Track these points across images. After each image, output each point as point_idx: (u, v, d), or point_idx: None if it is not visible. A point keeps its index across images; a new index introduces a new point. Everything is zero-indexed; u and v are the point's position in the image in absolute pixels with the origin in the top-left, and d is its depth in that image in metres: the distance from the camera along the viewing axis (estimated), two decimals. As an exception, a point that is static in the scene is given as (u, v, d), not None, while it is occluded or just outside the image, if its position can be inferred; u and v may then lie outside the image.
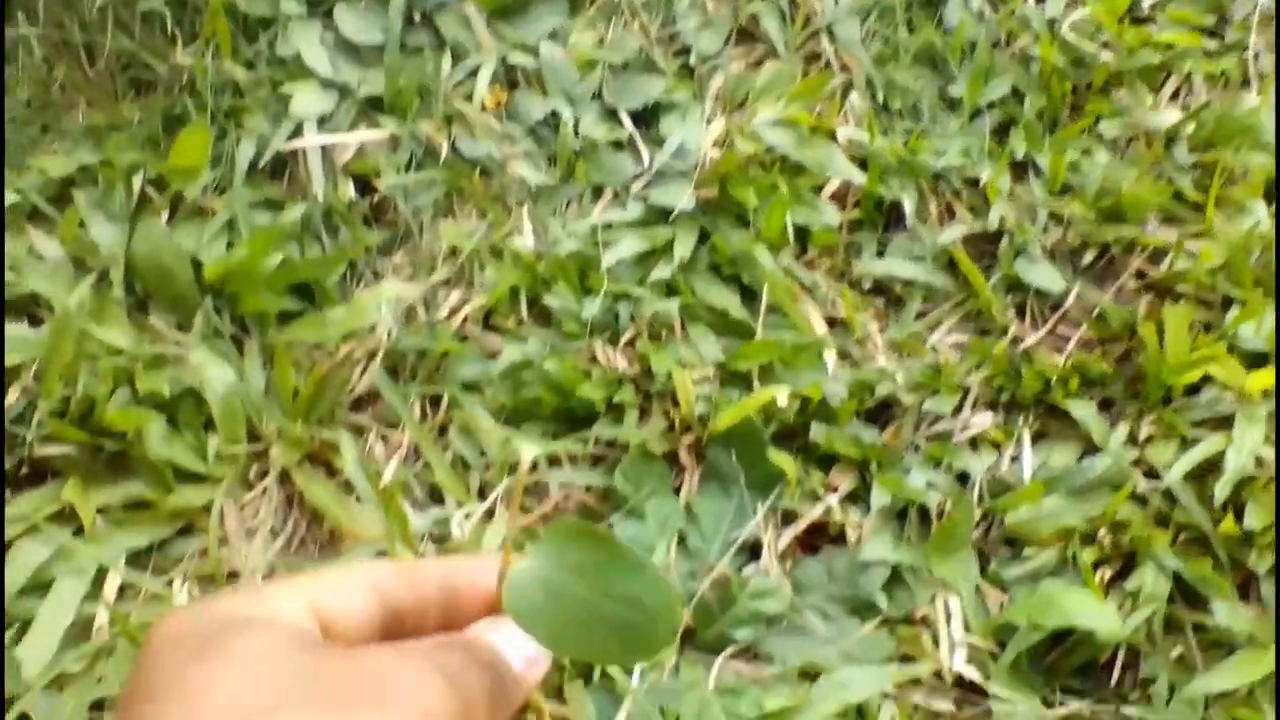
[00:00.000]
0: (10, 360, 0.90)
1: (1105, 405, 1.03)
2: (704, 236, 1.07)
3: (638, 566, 0.33)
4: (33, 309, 0.94)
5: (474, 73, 1.11)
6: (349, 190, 1.05)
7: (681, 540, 0.95)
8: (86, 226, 0.96)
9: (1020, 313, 1.07)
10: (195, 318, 0.95)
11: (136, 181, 0.98)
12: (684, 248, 1.05)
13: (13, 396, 0.89)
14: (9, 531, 0.86)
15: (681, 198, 1.07)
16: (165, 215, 0.99)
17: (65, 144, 1.00)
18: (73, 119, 1.02)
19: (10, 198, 0.97)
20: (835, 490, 0.96)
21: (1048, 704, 0.88)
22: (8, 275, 0.93)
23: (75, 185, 0.99)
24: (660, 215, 1.08)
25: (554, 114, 1.11)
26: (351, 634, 0.34)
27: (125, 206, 0.98)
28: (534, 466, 0.97)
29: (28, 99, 1.00)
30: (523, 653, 0.36)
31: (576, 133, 1.11)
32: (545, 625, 0.32)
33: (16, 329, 0.93)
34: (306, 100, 1.04)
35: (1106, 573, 0.93)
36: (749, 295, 1.05)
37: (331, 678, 0.30)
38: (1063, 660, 0.90)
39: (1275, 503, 0.95)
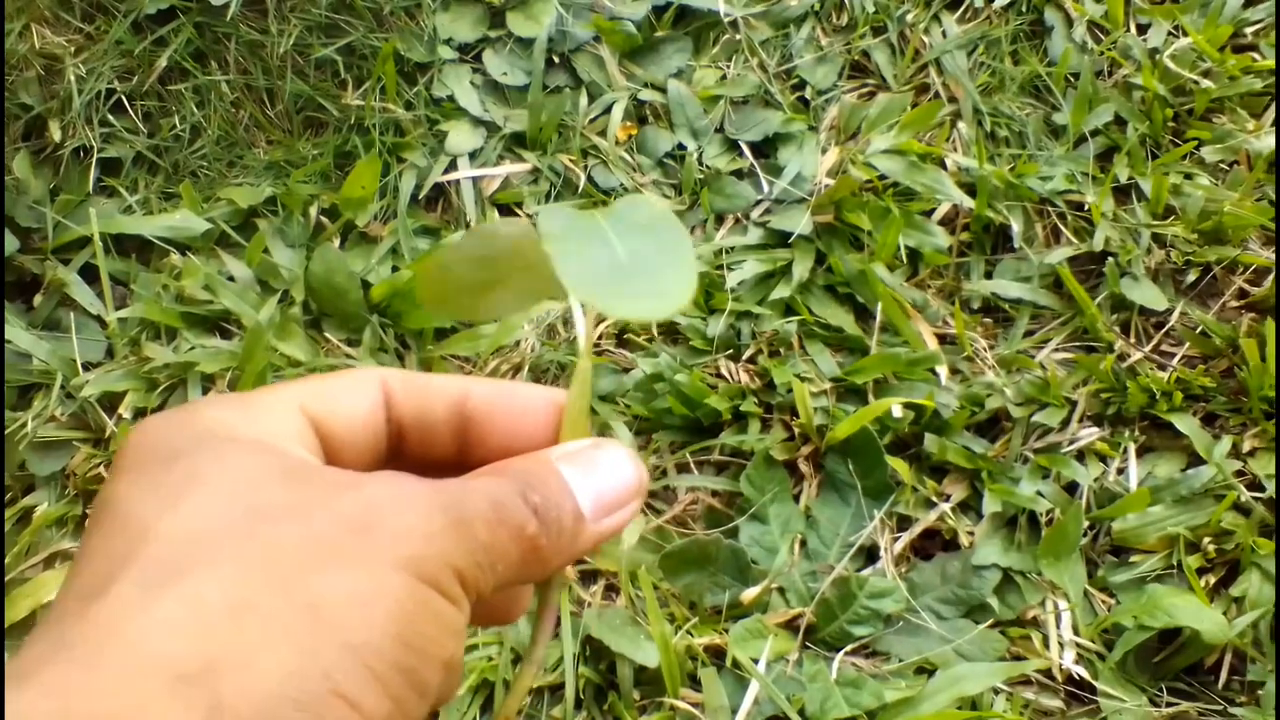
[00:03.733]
0: (206, 369, 0.98)
1: (1209, 419, 1.03)
2: (820, 259, 1.11)
3: None
4: (223, 324, 1.03)
5: (607, 109, 1.17)
6: (495, 218, 1.12)
7: (802, 543, 0.99)
8: (270, 251, 1.05)
9: (1125, 330, 1.08)
10: (364, 333, 1.03)
11: (313, 211, 1.06)
12: (802, 269, 1.09)
13: (210, 403, 0.97)
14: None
15: (799, 223, 1.11)
16: (338, 241, 1.07)
17: (250, 177, 1.09)
18: (256, 155, 1.10)
19: (203, 225, 1.06)
20: (948, 498, 0.99)
21: (1155, 704, 0.90)
22: (204, 294, 1.01)
23: (259, 214, 1.07)
24: (779, 239, 1.12)
25: (680, 146, 1.17)
26: (354, 444, 0.29)
27: (303, 233, 1.06)
28: (664, 472, 1.02)
29: (217, 137, 1.09)
30: (601, 495, 0.29)
31: (701, 163, 1.16)
32: None
33: (210, 341, 1.01)
34: (459, 137, 1.11)
35: (1211, 579, 0.94)
36: (863, 314, 1.09)
37: (308, 517, 0.25)
38: (1170, 662, 0.91)
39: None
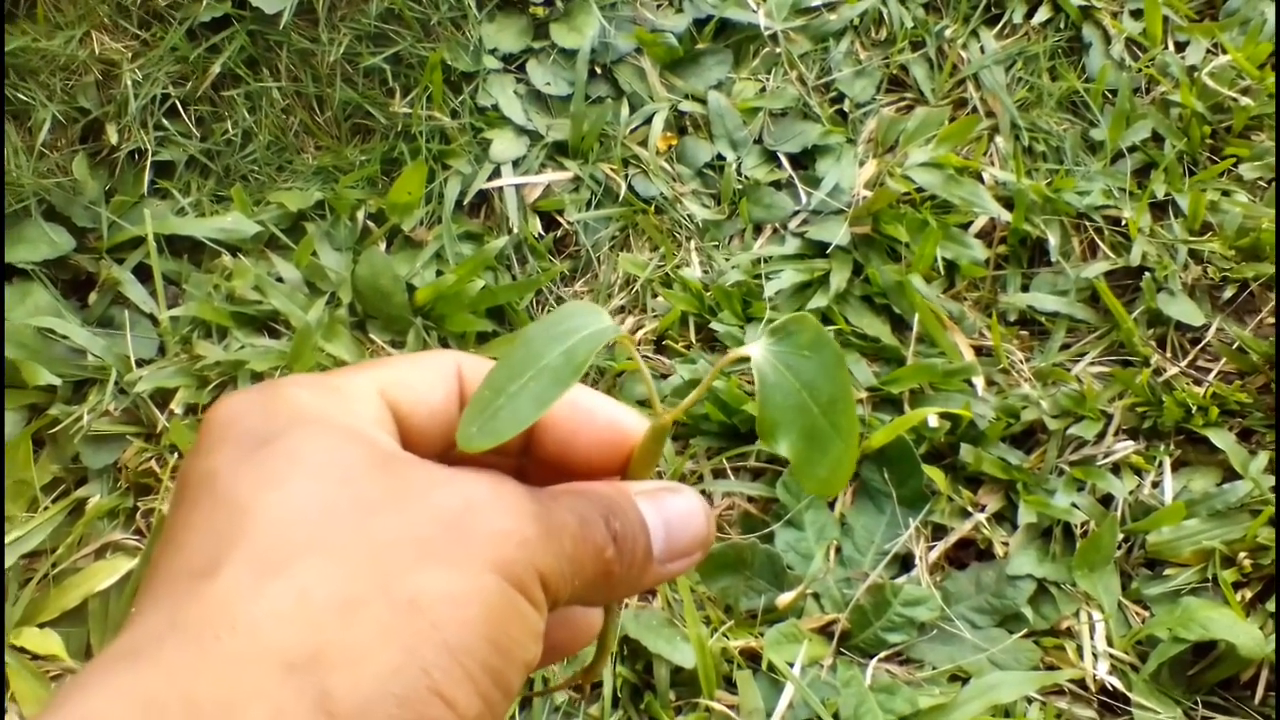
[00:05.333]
0: (256, 367, 1.01)
1: (1245, 435, 1.04)
2: (857, 269, 1.12)
3: None
4: (272, 324, 1.05)
5: (648, 120, 1.19)
6: (537, 225, 1.14)
7: (837, 550, 1.00)
8: (318, 254, 1.07)
9: (1161, 345, 1.09)
10: (408, 335, 1.05)
11: (360, 215, 1.09)
12: (839, 279, 1.11)
13: (259, 400, 1.00)
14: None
15: (836, 233, 1.13)
16: (384, 245, 1.10)
17: (299, 182, 1.12)
18: (305, 161, 1.13)
19: (253, 228, 1.08)
20: (983, 508, 1.00)
21: (1189, 716, 0.90)
22: (253, 295, 1.04)
23: (308, 218, 1.10)
24: (817, 249, 1.14)
25: (719, 157, 1.19)
26: (427, 431, 0.30)
27: (350, 237, 1.09)
28: (700, 477, 1.04)
29: (268, 142, 1.12)
30: (672, 540, 0.30)
31: (740, 174, 1.18)
32: None
33: (259, 340, 1.04)
34: (503, 145, 1.14)
35: (1247, 594, 0.95)
36: (900, 325, 1.10)
37: (406, 511, 0.25)
38: (1204, 675, 0.92)
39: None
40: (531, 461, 0.32)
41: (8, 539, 0.97)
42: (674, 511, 0.30)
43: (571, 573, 0.27)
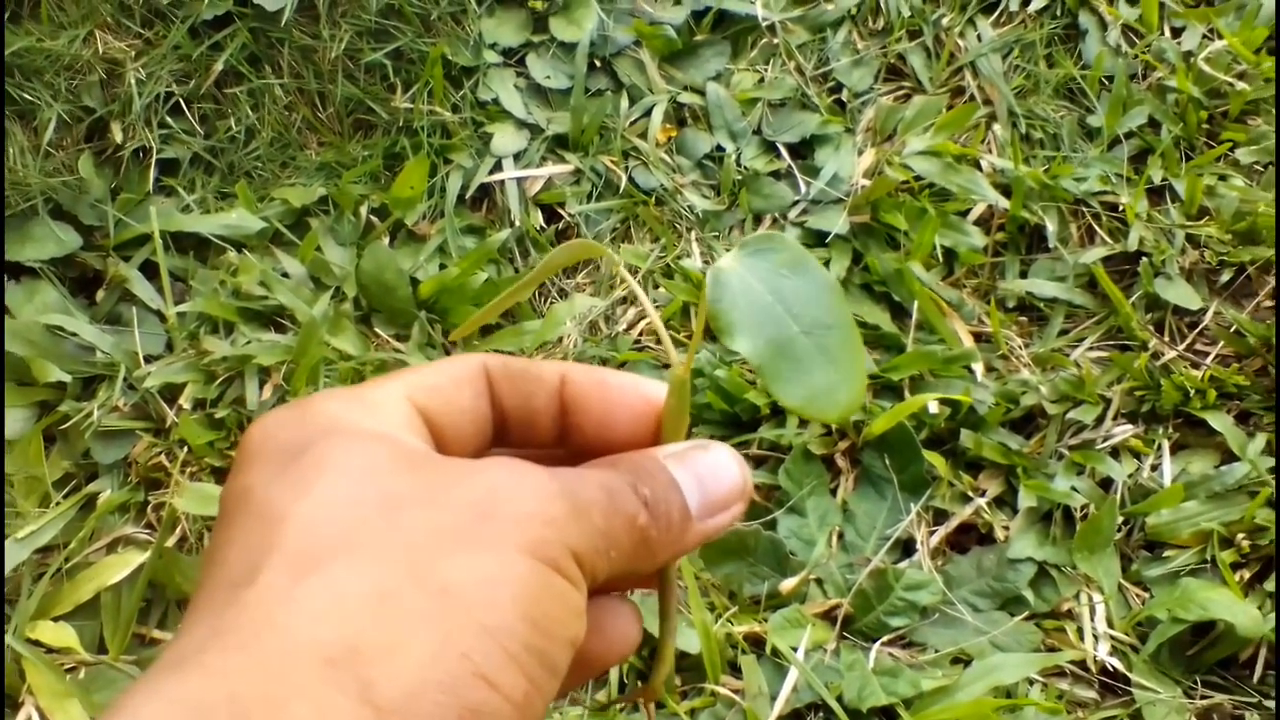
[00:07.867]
0: (262, 362, 1.01)
1: (1242, 417, 1.04)
2: (857, 258, 1.13)
3: None
4: (278, 319, 1.06)
5: (648, 112, 1.19)
6: (539, 218, 1.14)
7: (839, 536, 1.00)
8: (322, 249, 1.08)
9: (1159, 329, 1.09)
10: (412, 328, 1.05)
11: (363, 210, 1.10)
12: (838, 268, 1.11)
13: (266, 393, 1.00)
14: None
15: (836, 222, 1.13)
16: (387, 239, 1.10)
17: (303, 178, 1.12)
18: (308, 157, 1.14)
19: (258, 224, 1.09)
20: (983, 493, 1.01)
21: (1189, 696, 0.91)
22: (259, 290, 1.05)
23: (312, 214, 1.10)
24: (816, 238, 1.14)
25: (719, 148, 1.19)
26: (459, 433, 0.30)
27: (354, 232, 1.09)
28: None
29: (271, 139, 1.13)
30: (707, 494, 0.30)
31: (739, 164, 1.18)
32: None
33: (266, 335, 1.04)
34: (504, 139, 1.14)
35: (1245, 574, 0.95)
36: (899, 312, 1.10)
37: (434, 504, 0.26)
38: (1204, 655, 0.92)
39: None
40: (570, 450, 0.32)
41: (21, 534, 0.97)
42: (705, 466, 0.30)
43: (606, 546, 0.27)
